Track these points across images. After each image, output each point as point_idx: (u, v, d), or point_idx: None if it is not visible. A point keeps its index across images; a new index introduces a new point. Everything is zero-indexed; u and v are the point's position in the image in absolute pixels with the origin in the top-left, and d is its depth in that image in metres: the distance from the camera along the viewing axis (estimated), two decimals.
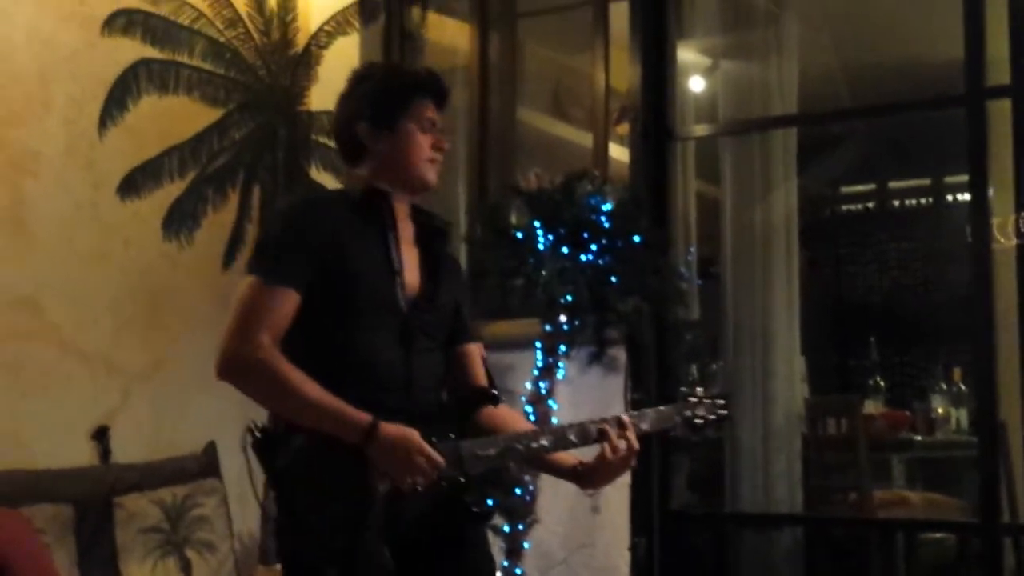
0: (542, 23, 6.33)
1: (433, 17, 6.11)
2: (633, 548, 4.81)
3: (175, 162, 5.05)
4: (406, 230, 2.67)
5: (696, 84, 6.13)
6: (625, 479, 4.84)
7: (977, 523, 4.55)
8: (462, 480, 2.47)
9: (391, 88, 2.67)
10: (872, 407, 5.89)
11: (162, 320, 5.23)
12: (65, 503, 4.50)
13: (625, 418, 2.60)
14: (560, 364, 4.74)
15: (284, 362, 2.42)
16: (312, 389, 2.39)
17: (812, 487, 5.29)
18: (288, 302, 2.45)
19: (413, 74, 2.82)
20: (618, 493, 4.86)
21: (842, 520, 5.39)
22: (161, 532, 4.76)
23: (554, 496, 4.71)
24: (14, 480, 4.40)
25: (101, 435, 4.87)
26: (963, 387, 5.93)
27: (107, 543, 4.61)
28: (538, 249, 4.76)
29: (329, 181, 5.40)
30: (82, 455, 4.81)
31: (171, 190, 5.03)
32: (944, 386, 6.08)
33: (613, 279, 4.73)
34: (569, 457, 2.64)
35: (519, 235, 4.79)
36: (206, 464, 5.11)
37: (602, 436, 2.55)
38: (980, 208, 4.69)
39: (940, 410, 5.97)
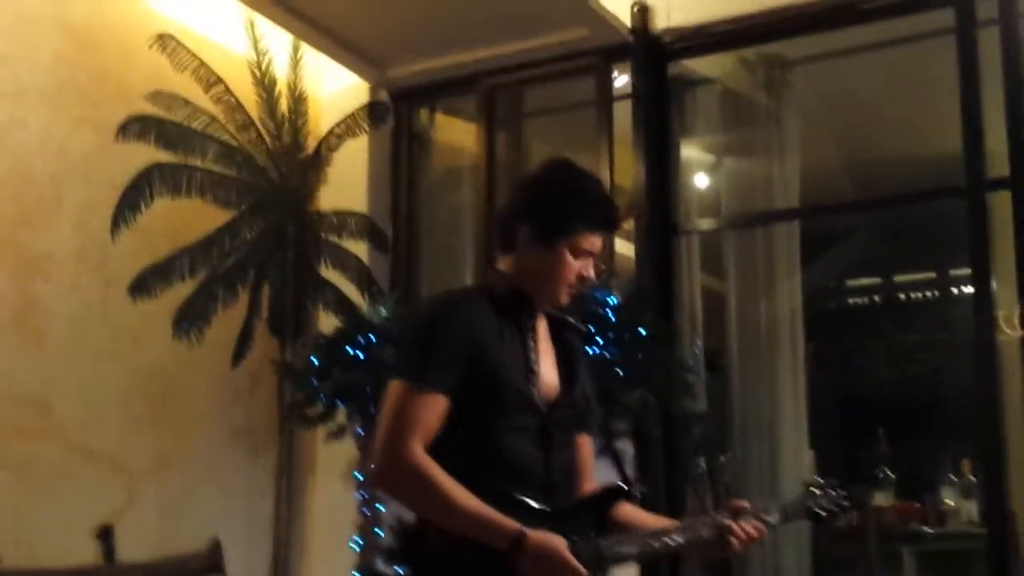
0: (548, 124, 6.45)
1: (441, 118, 6.26)
2: None
3: (186, 262, 5.13)
4: (542, 328, 2.67)
5: (700, 180, 6.21)
6: (633, 570, 4.84)
7: None
8: None
9: (566, 209, 2.61)
10: (881, 499, 5.85)
11: (170, 418, 5.26)
12: None
13: (747, 509, 2.61)
14: None
15: (436, 469, 2.43)
16: (464, 497, 2.41)
17: None
18: (437, 407, 2.47)
19: (592, 202, 2.66)
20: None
21: None
22: None
23: None
24: None
25: (106, 534, 4.85)
26: (972, 479, 5.89)
27: None
28: None
29: (338, 279, 5.47)
30: (87, 554, 4.78)
31: (182, 289, 5.09)
32: (954, 478, 6.05)
33: (619, 372, 4.74)
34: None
35: None
36: (210, 561, 5.05)
37: (730, 531, 2.57)
38: (984, 301, 4.73)
39: (950, 502, 5.93)
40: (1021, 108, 4.70)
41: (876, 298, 9.34)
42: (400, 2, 5.30)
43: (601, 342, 4.79)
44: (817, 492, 2.81)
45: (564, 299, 2.65)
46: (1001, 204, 4.89)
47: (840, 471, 7.08)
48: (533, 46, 5.51)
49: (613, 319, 4.81)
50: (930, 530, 5.60)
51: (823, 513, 2.79)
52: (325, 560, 5.51)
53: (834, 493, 2.82)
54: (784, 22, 5.20)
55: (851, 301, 9.40)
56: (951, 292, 8.83)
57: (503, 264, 2.67)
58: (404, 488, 2.50)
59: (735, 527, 2.56)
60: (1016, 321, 6.19)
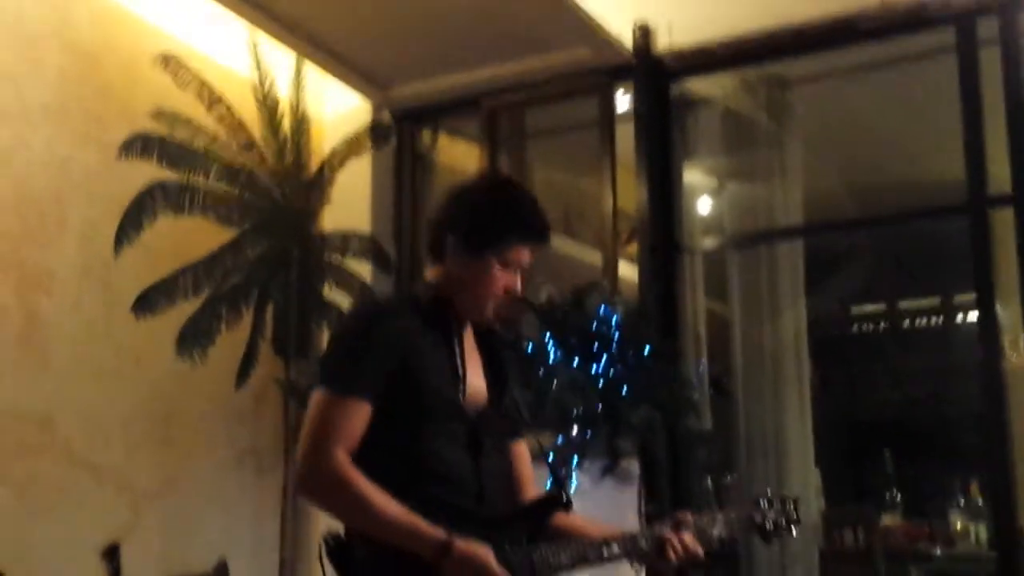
0: (550, 145, 6.47)
1: (443, 139, 6.28)
2: None
3: (189, 281, 5.12)
4: (469, 336, 2.68)
5: (703, 205, 6.21)
6: None
7: None
8: None
9: (495, 219, 2.59)
10: (889, 520, 5.82)
11: (174, 438, 5.24)
12: None
13: (688, 521, 2.59)
14: (573, 476, 4.71)
15: (359, 477, 2.40)
16: (388, 505, 2.38)
17: None
18: (361, 414, 2.45)
19: (522, 216, 2.63)
20: None
21: None
22: None
23: None
24: None
25: (112, 554, 4.82)
26: (980, 501, 5.86)
27: None
28: (548, 361, 4.77)
29: (342, 300, 5.47)
30: (92, 574, 4.75)
31: (185, 308, 5.08)
32: (962, 500, 6.02)
33: (624, 390, 4.73)
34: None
35: (530, 348, 4.81)
36: None
37: (668, 543, 2.53)
38: (989, 325, 4.73)
39: (958, 524, 5.90)
40: (1022, 125, 4.69)
41: (881, 324, 9.35)
42: (403, 23, 5.33)
43: (605, 360, 4.79)
44: (764, 505, 2.77)
45: (490, 312, 2.63)
46: (1003, 225, 4.89)
47: (847, 492, 7.10)
48: (535, 67, 5.55)
49: (616, 337, 4.82)
50: (939, 551, 5.56)
51: (770, 527, 2.76)
52: None
53: (782, 507, 2.78)
54: (785, 42, 5.22)
55: (856, 328, 9.40)
56: (955, 318, 8.84)
57: (431, 274, 2.66)
58: (326, 495, 2.47)
59: (673, 539, 2.54)
60: (1022, 346, 6.20)
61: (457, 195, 2.69)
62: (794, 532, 2.80)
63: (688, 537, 2.55)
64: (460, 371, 2.57)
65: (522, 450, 2.75)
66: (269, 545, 5.32)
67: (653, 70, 5.42)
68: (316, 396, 2.48)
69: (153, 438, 5.15)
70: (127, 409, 5.05)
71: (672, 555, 2.53)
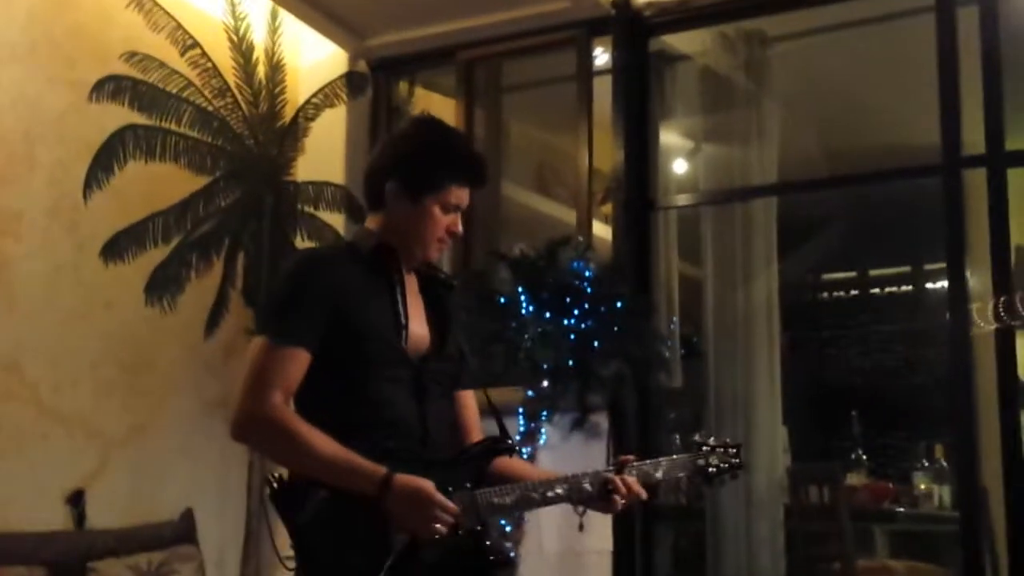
0: (526, 100, 6.43)
1: (420, 92, 6.23)
2: None
3: (159, 227, 5.07)
4: (412, 283, 2.68)
5: (679, 166, 6.21)
6: (608, 547, 4.83)
7: None
8: (479, 528, 2.47)
9: (432, 164, 2.62)
10: (854, 480, 5.87)
11: (143, 385, 5.21)
12: (39, 566, 4.42)
13: (631, 462, 2.61)
14: (542, 430, 4.72)
15: (297, 420, 2.42)
16: (326, 445, 2.39)
17: (795, 556, 5.23)
18: (298, 361, 2.46)
19: (457, 155, 2.68)
20: (601, 561, 4.83)
21: None
22: None
23: (538, 564, 4.68)
24: None
25: (77, 499, 4.81)
26: (945, 464, 5.92)
27: None
28: (521, 314, 4.77)
29: None
30: (57, 518, 4.74)
31: (155, 255, 5.03)
32: (926, 463, 6.08)
33: (595, 344, 4.73)
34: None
35: (502, 300, 4.80)
36: (183, 530, 5.05)
37: (613, 485, 2.55)
38: (959, 292, 4.75)
39: (923, 486, 5.96)
40: (998, 86, 4.70)
41: (851, 291, 9.40)
42: None
43: (577, 314, 4.79)
44: (707, 449, 2.81)
45: (434, 254, 2.67)
46: (975, 190, 4.90)
47: (814, 452, 7.14)
48: (513, 17, 5.50)
49: (589, 291, 4.82)
50: (903, 509, 5.62)
51: (712, 470, 2.79)
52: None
53: (723, 450, 2.81)
54: None
55: (826, 294, 9.45)
56: (924, 286, 8.89)
57: (371, 222, 2.67)
58: (265, 440, 2.50)
59: (617, 481, 2.55)
60: (990, 314, 6.23)
61: (391, 143, 2.73)
62: (737, 476, 2.84)
63: (631, 479, 2.57)
64: (402, 318, 2.58)
65: (468, 397, 2.76)
66: (236, 495, 5.29)
67: (632, 23, 5.38)
68: (253, 344, 2.50)
69: (121, 384, 5.11)
70: (95, 354, 5.01)
71: (617, 498, 2.55)
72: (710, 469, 2.79)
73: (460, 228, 2.67)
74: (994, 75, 4.71)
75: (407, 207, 2.60)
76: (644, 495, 2.60)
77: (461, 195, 2.63)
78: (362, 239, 2.66)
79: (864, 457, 6.26)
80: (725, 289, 5.63)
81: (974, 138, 4.81)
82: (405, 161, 2.63)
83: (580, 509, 2.63)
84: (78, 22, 5.02)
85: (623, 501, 2.56)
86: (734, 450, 2.84)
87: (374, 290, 2.58)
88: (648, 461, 2.70)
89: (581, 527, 2.64)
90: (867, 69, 6.02)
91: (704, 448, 2.81)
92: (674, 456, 2.79)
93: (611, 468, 2.60)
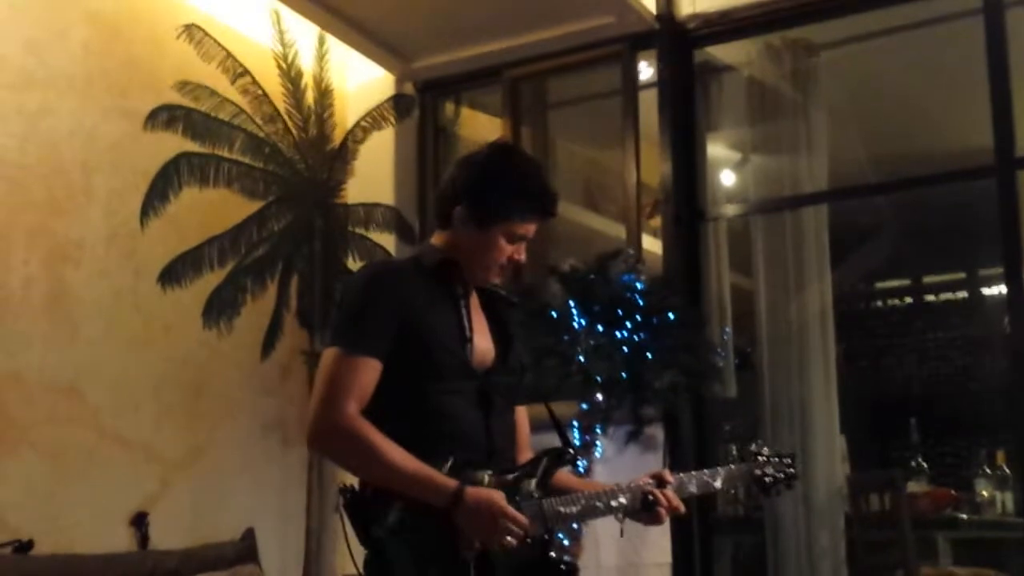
0: (572, 117, 6.46)
1: (466, 112, 6.28)
2: None
3: (215, 252, 5.14)
4: (474, 299, 2.72)
5: (727, 178, 6.19)
6: (667, 559, 4.82)
7: None
8: (546, 537, 2.51)
9: (502, 195, 2.62)
10: (915, 487, 5.80)
11: (202, 408, 5.27)
12: None
13: (670, 479, 2.64)
14: (597, 443, 4.72)
15: (371, 429, 2.45)
16: (399, 455, 2.42)
17: (857, 565, 5.18)
18: (371, 371, 2.49)
19: (529, 192, 2.66)
20: (660, 574, 4.81)
21: None
22: None
23: None
24: (54, 564, 4.39)
25: (140, 521, 4.88)
26: (1007, 470, 5.83)
27: None
28: (574, 328, 4.78)
29: None
30: (120, 541, 4.81)
31: (211, 279, 5.11)
32: (988, 470, 5.99)
33: (649, 356, 4.73)
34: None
35: (554, 314, 4.82)
36: (245, 550, 5.10)
37: (655, 499, 2.59)
38: (1017, 291, 4.69)
39: (985, 493, 5.88)
40: None
41: (906, 299, 9.31)
42: None
43: (630, 326, 4.80)
44: (762, 459, 2.86)
45: (494, 279, 2.70)
46: None
47: (873, 461, 7.08)
48: (558, 35, 5.53)
49: (641, 303, 4.82)
50: (966, 516, 5.54)
51: (768, 479, 2.84)
52: (357, 551, 5.49)
53: (779, 460, 2.87)
54: (810, 6, 5.21)
55: (880, 303, 9.36)
56: (980, 291, 8.80)
57: (437, 239, 2.70)
58: (339, 449, 2.52)
59: (658, 493, 2.59)
60: None
61: (464, 167, 2.71)
62: (792, 486, 2.89)
63: (670, 493, 2.61)
64: (467, 331, 2.61)
65: (521, 414, 2.79)
66: (295, 516, 5.34)
67: (676, 36, 5.41)
68: (326, 355, 2.54)
69: (181, 408, 5.18)
70: (155, 379, 5.08)
71: (660, 509, 2.59)
72: (766, 479, 2.84)
73: (523, 257, 2.69)
74: None
75: (473, 232, 2.62)
76: (683, 509, 2.63)
77: (529, 228, 2.65)
78: (427, 254, 2.69)
79: (924, 465, 6.17)
80: (778, 299, 5.59)
81: None
82: (476, 188, 2.64)
83: (621, 516, 2.64)
84: (131, 53, 5.12)
85: (665, 512, 2.59)
86: (789, 460, 2.90)
87: (440, 303, 2.61)
88: (706, 471, 2.76)
89: (622, 533, 2.66)
90: (916, 74, 5.98)
91: (760, 458, 2.85)
92: (732, 466, 2.84)
93: (651, 482, 2.62)
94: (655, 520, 2.61)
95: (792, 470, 2.88)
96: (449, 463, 2.45)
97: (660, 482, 2.62)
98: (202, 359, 5.24)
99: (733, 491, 5.66)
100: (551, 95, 6.13)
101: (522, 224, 2.63)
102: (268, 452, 5.52)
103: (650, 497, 2.58)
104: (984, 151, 4.86)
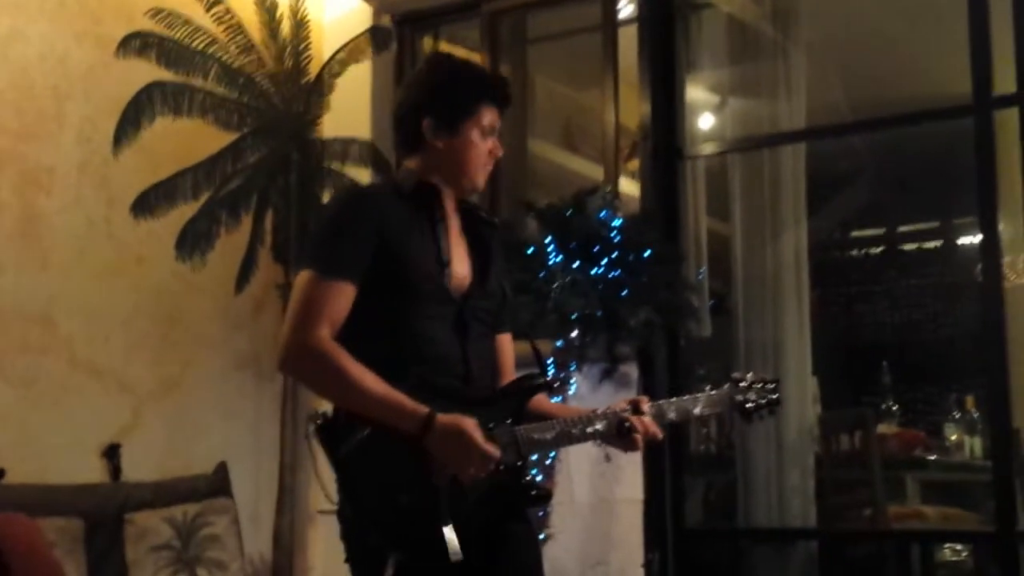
0: (552, 54, 6.40)
1: (444, 46, 6.20)
2: (647, 565, 4.76)
3: (189, 183, 5.08)
4: (454, 222, 2.71)
5: (706, 121, 6.16)
6: (639, 496, 4.84)
7: (993, 532, 4.51)
8: (519, 464, 2.51)
9: (461, 89, 2.68)
10: (885, 430, 5.86)
11: (175, 340, 5.25)
12: (76, 517, 4.49)
13: (646, 407, 2.63)
14: (572, 380, 4.72)
15: (343, 354, 2.44)
16: (371, 380, 2.42)
17: (826, 503, 5.23)
18: (344, 294, 2.49)
19: (483, 78, 2.81)
20: (632, 510, 4.84)
21: (857, 533, 5.30)
22: (172, 550, 4.74)
23: (569, 513, 4.69)
24: (26, 493, 4.40)
25: (112, 452, 4.88)
26: (976, 414, 5.89)
27: (117, 559, 4.61)
28: (549, 264, 4.76)
29: None
30: (93, 471, 4.81)
31: (185, 211, 5.05)
32: (957, 414, 6.06)
33: (624, 293, 4.73)
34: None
35: (530, 250, 4.80)
36: (217, 483, 5.10)
37: (631, 425, 2.59)
38: (991, 238, 4.69)
39: (953, 437, 5.95)
40: None
41: (881, 247, 9.35)
42: None
43: (605, 263, 4.79)
44: (744, 384, 2.84)
45: (482, 181, 2.72)
46: (1008, 136, 4.84)
47: (844, 402, 7.13)
48: None
49: (617, 240, 4.81)
50: (934, 457, 5.60)
51: (750, 405, 2.83)
52: (331, 485, 5.50)
53: (761, 386, 2.85)
54: None
55: (856, 251, 9.41)
56: (953, 241, 8.85)
57: (410, 163, 2.70)
58: (310, 372, 2.52)
59: (634, 420, 2.58)
60: (1021, 267, 6.19)
61: (415, 83, 2.76)
62: (774, 412, 2.87)
63: (647, 419, 2.60)
64: (444, 255, 2.61)
65: (506, 342, 2.78)
66: (269, 450, 5.34)
67: None
68: (300, 278, 2.52)
69: (154, 340, 5.16)
70: (127, 309, 5.05)
71: (636, 435, 2.58)
72: (748, 404, 2.82)
73: (500, 150, 2.72)
74: None
75: (446, 139, 2.64)
76: (660, 435, 2.63)
77: (493, 116, 2.69)
78: (404, 179, 2.69)
79: (895, 408, 6.23)
80: (754, 244, 5.58)
81: (1006, 83, 4.75)
82: (436, 94, 2.66)
83: (599, 443, 2.67)
84: None
85: (640, 439, 2.59)
86: (772, 385, 2.87)
87: (417, 228, 2.60)
88: (686, 396, 2.75)
89: (608, 457, 2.66)
90: (897, 15, 5.95)
91: (741, 384, 2.84)
92: (711, 391, 2.81)
93: (627, 408, 2.61)
94: (631, 446, 2.61)
95: (776, 396, 2.86)
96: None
97: (636, 408, 2.62)
98: (175, 291, 5.21)
99: (706, 428, 5.77)
100: (531, 31, 6.06)
101: (488, 112, 2.67)
102: (241, 386, 5.50)
103: (626, 424, 2.58)
104: (963, 96, 4.84)
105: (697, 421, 2.74)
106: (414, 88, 2.74)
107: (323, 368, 2.44)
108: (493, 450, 2.42)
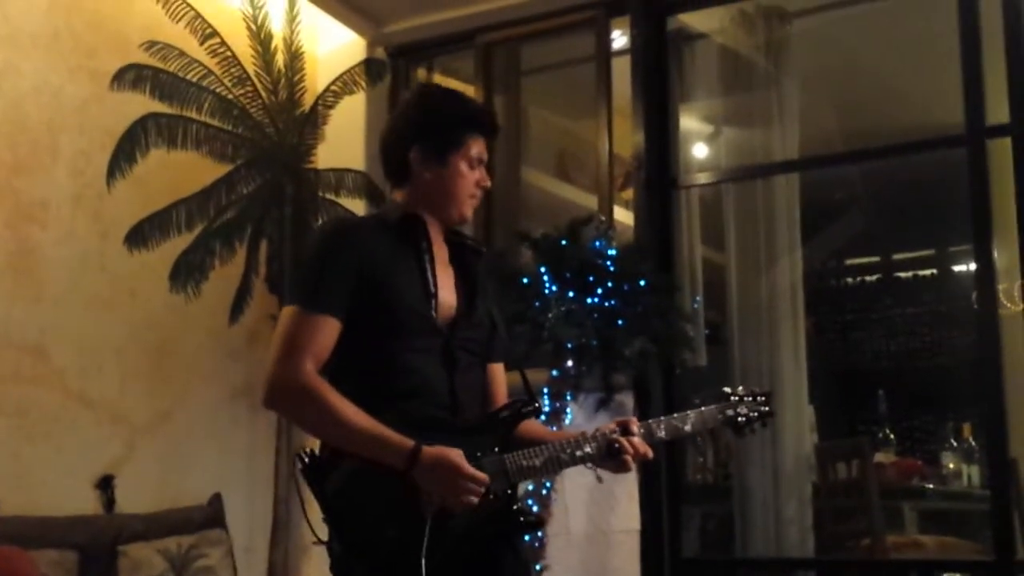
0: (545, 85, 6.42)
1: (438, 78, 6.22)
2: None
3: (183, 215, 5.09)
4: (441, 252, 2.69)
5: (700, 150, 6.18)
6: (636, 527, 4.82)
7: (991, 561, 4.49)
8: (509, 492, 2.48)
9: (448, 120, 2.68)
10: (882, 458, 5.84)
11: (168, 371, 5.23)
12: (70, 550, 4.46)
13: (635, 428, 2.59)
14: (567, 410, 4.71)
15: (328, 389, 2.42)
16: (356, 415, 2.40)
17: (824, 533, 5.21)
18: (329, 329, 2.47)
19: (470, 108, 2.78)
20: (628, 541, 4.82)
21: (855, 563, 5.27)
22: None
23: (566, 545, 4.66)
24: (19, 525, 4.37)
25: (106, 484, 4.85)
26: (973, 442, 5.88)
27: None
28: (544, 294, 4.76)
29: None
30: (86, 502, 4.78)
31: (178, 243, 5.06)
32: (954, 443, 6.04)
33: (619, 322, 4.72)
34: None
35: (525, 280, 4.80)
36: (212, 515, 5.07)
37: (620, 447, 2.56)
38: (985, 266, 4.71)
39: (951, 465, 5.93)
40: (1021, 55, 4.67)
41: (876, 275, 9.35)
42: None
43: (600, 292, 4.79)
44: (735, 398, 2.81)
45: (469, 212, 2.71)
46: (999, 164, 4.85)
47: (841, 431, 7.11)
48: (531, 0, 5.49)
49: (612, 269, 4.81)
50: (932, 486, 5.58)
51: (742, 419, 2.80)
52: (319, 522, 5.46)
53: (752, 399, 2.82)
54: None
55: (851, 279, 9.40)
56: (949, 268, 8.85)
57: (397, 195, 2.70)
58: (295, 407, 2.49)
59: (623, 442, 2.55)
60: (1017, 295, 6.19)
61: (401, 116, 2.75)
62: (766, 424, 2.85)
63: (636, 440, 2.56)
64: (431, 286, 2.59)
65: (498, 372, 2.76)
66: (263, 481, 5.31)
67: (649, 2, 5.37)
68: (284, 313, 2.51)
69: (147, 371, 5.15)
70: (121, 341, 5.04)
71: (626, 456, 2.55)
72: (739, 419, 2.79)
73: (488, 181, 2.72)
74: (1017, 44, 4.67)
75: (435, 169, 2.63)
76: (651, 454, 2.59)
77: (481, 146, 2.69)
78: (389, 211, 2.68)
79: (892, 436, 6.22)
80: (749, 272, 5.59)
81: (998, 113, 4.77)
82: (423, 125, 2.66)
83: (590, 466, 2.62)
84: (98, 11, 5.06)
85: (632, 460, 2.55)
86: (764, 397, 2.84)
87: (403, 259, 2.58)
88: (676, 415, 2.70)
89: (600, 479, 2.63)
90: (889, 45, 5.97)
91: (733, 398, 2.81)
92: (702, 408, 2.77)
93: (616, 430, 2.58)
94: (622, 468, 2.57)
95: (767, 408, 2.83)
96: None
97: (625, 429, 2.59)
98: (169, 322, 5.20)
99: (702, 458, 5.75)
100: (524, 62, 6.08)
101: (475, 143, 2.67)
102: (236, 417, 5.48)
103: (615, 445, 2.55)
104: (956, 126, 4.85)
105: (691, 438, 2.69)
106: (401, 119, 2.74)
107: (307, 403, 2.42)
108: (481, 476, 2.39)
